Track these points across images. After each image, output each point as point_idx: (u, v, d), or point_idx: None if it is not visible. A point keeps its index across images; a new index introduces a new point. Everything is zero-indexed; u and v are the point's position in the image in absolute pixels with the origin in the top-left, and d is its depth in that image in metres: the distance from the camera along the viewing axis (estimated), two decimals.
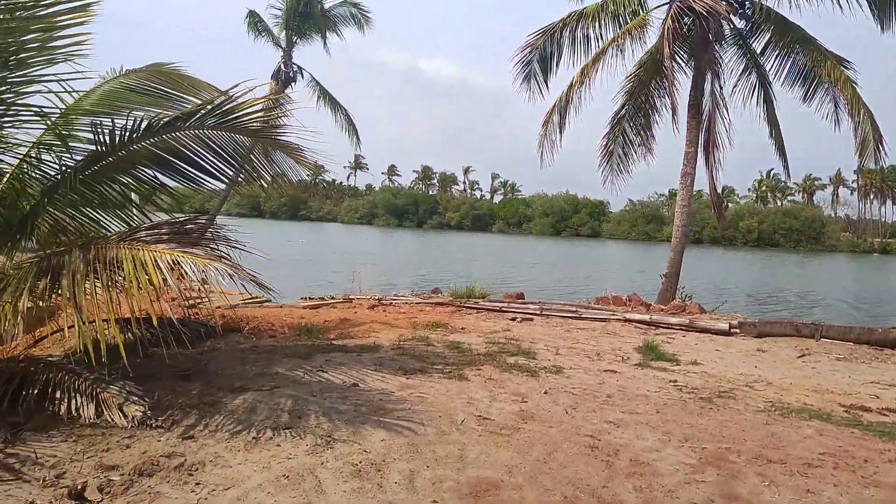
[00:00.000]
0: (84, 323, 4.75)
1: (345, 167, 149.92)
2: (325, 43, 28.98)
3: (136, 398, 5.47)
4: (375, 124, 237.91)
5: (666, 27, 15.34)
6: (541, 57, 17.65)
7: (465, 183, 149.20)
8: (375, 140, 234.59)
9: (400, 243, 73.34)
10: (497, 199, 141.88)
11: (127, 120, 6.59)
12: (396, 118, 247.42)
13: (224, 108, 6.53)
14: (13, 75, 6.18)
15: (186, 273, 4.93)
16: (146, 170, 6.91)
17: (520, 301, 12.98)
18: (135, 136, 6.44)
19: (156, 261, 4.90)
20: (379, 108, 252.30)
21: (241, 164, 6.99)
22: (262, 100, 6.50)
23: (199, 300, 12.87)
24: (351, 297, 13.48)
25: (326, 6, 29.02)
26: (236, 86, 6.45)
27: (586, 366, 8.00)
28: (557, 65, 17.62)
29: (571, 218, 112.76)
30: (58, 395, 5.46)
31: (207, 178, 7.04)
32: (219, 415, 5.40)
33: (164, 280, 4.89)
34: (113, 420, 5.12)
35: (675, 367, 8.29)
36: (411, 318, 10.72)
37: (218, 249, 6.11)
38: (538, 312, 11.92)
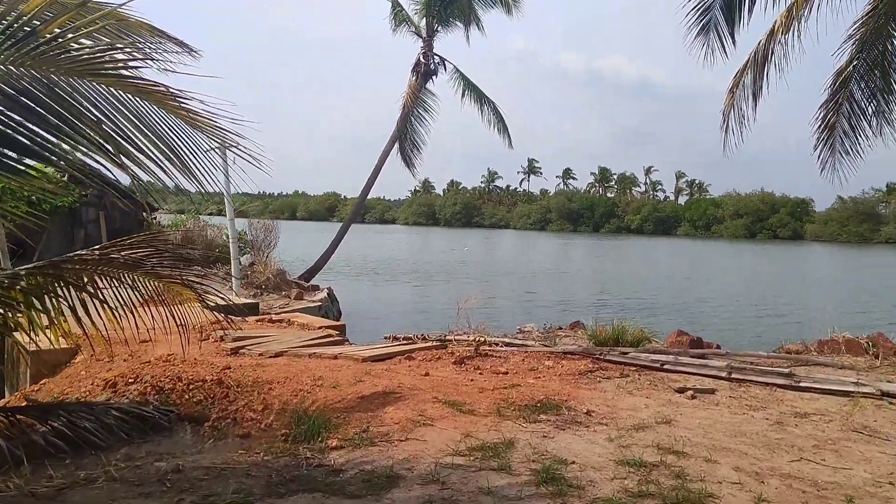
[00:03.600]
0: None
1: (518, 172, 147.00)
2: (467, 29, 25.64)
3: None
4: (551, 128, 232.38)
5: None
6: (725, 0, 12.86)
7: (646, 184, 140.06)
8: (551, 144, 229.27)
9: (569, 251, 68.47)
10: (682, 200, 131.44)
11: None
12: (573, 120, 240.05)
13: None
14: None
15: None
16: None
17: (695, 352, 8.48)
18: None
19: None
20: (554, 111, 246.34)
21: (80, 128, 3.47)
22: None
23: (250, 341, 9.86)
24: (447, 337, 9.73)
25: None
26: None
27: None
28: (750, 9, 12.71)
29: (768, 219, 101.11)
30: None
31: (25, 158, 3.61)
32: None
33: None
34: None
35: None
36: (508, 386, 6.74)
37: None
38: (724, 375, 7.44)
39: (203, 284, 6.15)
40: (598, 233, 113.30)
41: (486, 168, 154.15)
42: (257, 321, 11.86)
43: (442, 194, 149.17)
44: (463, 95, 26.36)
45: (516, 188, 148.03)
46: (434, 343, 9.23)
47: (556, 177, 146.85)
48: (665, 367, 7.82)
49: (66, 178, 19.69)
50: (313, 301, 18.89)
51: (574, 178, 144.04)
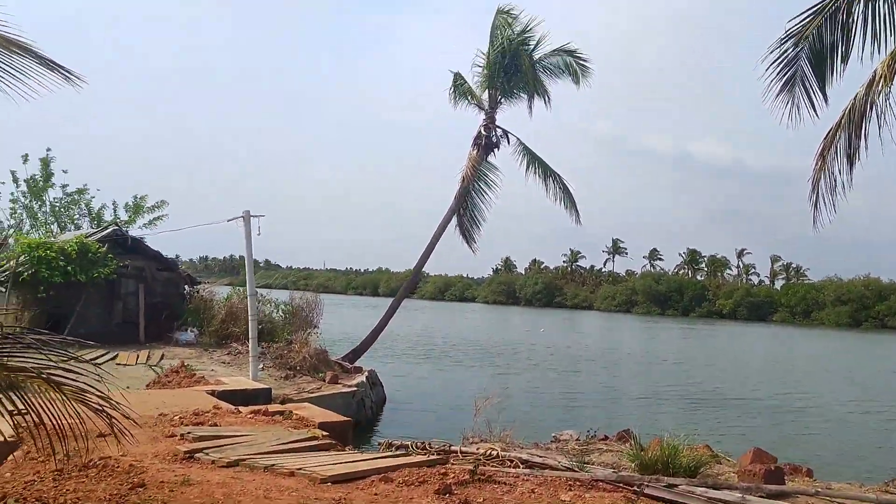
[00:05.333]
0: None
1: (602, 251, 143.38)
2: (531, 101, 24.36)
3: None
4: (636, 209, 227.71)
5: None
6: (813, 51, 10.97)
7: (738, 267, 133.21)
8: (636, 225, 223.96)
9: (656, 336, 64.52)
10: (778, 284, 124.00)
11: None
12: (661, 202, 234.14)
13: None
14: None
15: None
16: None
17: (772, 489, 6.20)
18: None
19: None
20: (641, 193, 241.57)
21: None
22: None
23: (215, 442, 8.24)
24: (452, 448, 7.82)
25: (536, 57, 24.63)
26: None
27: None
28: (844, 59, 10.77)
29: (875, 306, 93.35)
30: None
31: None
32: None
33: None
34: None
35: None
36: None
37: None
38: None
39: (75, 380, 4.60)
40: (687, 317, 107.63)
41: (569, 248, 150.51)
42: (251, 413, 10.29)
43: (524, 273, 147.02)
44: (527, 169, 24.97)
45: (601, 269, 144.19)
46: (431, 457, 7.33)
47: (643, 257, 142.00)
48: None
49: (104, 248, 19.35)
50: (348, 386, 17.25)
51: (661, 259, 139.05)
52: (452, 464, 7.16)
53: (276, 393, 14.96)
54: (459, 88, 25.28)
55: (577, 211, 25.19)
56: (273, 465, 6.79)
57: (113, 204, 27.59)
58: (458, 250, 24.79)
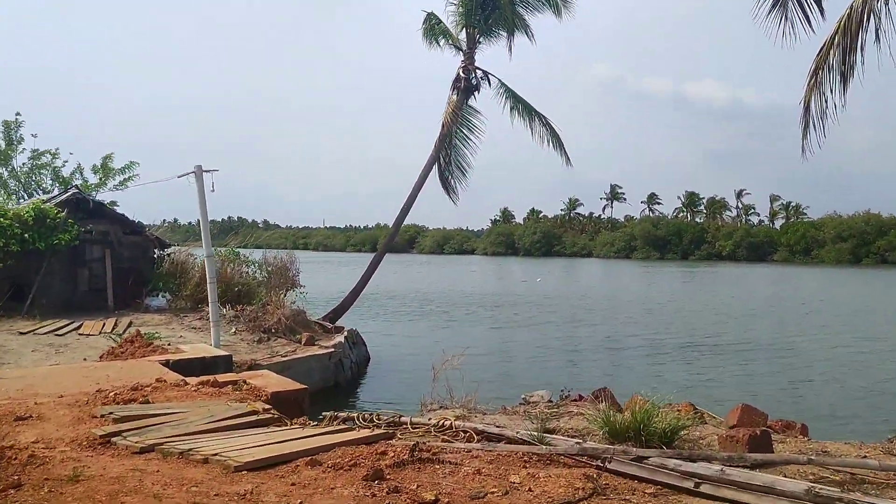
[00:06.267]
0: None
1: (601, 198, 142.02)
2: (511, 38, 23.08)
3: None
4: (635, 153, 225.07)
5: None
6: None
7: (737, 208, 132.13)
8: (635, 169, 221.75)
9: (655, 280, 63.77)
10: (778, 223, 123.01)
11: None
12: (659, 145, 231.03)
13: None
14: None
15: None
16: None
17: (756, 458, 5.34)
18: None
19: None
20: (639, 136, 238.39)
21: None
22: None
23: (138, 422, 7.38)
24: (402, 419, 6.98)
25: None
26: None
27: None
28: None
29: (875, 241, 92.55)
30: None
31: None
32: None
33: None
34: None
35: None
36: None
37: None
38: None
39: None
40: (686, 260, 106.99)
41: (567, 196, 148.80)
42: (198, 384, 9.45)
43: (522, 223, 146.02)
44: (512, 111, 23.68)
45: (599, 215, 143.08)
46: (376, 431, 6.48)
47: (642, 202, 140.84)
48: (701, 488, 4.82)
49: (64, 213, 18.35)
50: (325, 347, 16.48)
51: (660, 203, 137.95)
52: (399, 438, 6.34)
53: (246, 358, 14.21)
54: (434, 29, 23.90)
55: (565, 152, 24.06)
56: (189, 449, 5.95)
57: (79, 167, 26.45)
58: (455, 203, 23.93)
